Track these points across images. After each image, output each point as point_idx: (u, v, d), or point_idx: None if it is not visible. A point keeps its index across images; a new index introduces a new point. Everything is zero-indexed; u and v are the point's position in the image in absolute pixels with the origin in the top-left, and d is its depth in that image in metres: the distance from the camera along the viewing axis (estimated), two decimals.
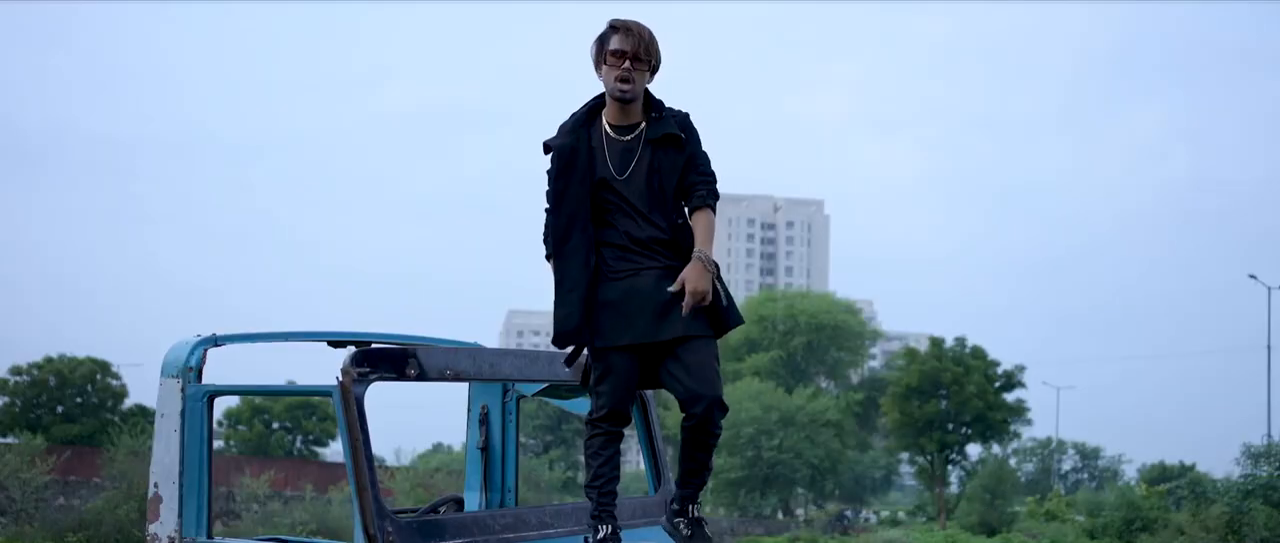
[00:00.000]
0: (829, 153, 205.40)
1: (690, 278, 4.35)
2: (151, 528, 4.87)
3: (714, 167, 4.65)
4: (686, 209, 4.57)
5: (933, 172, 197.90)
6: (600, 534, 4.55)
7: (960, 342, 49.69)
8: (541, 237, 4.65)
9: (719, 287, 4.49)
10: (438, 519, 4.78)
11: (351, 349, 4.47)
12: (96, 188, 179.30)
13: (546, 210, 4.64)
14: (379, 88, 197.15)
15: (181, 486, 4.81)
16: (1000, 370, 49.60)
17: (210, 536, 4.87)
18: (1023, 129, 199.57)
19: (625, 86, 4.48)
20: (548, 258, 4.60)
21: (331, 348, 5.27)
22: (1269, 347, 43.14)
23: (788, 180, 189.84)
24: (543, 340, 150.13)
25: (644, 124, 4.57)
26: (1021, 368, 50.15)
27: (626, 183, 4.52)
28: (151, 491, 4.89)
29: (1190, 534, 23.77)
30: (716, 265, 4.46)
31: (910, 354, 51.73)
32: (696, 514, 4.60)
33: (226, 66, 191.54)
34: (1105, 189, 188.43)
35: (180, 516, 4.80)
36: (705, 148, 4.66)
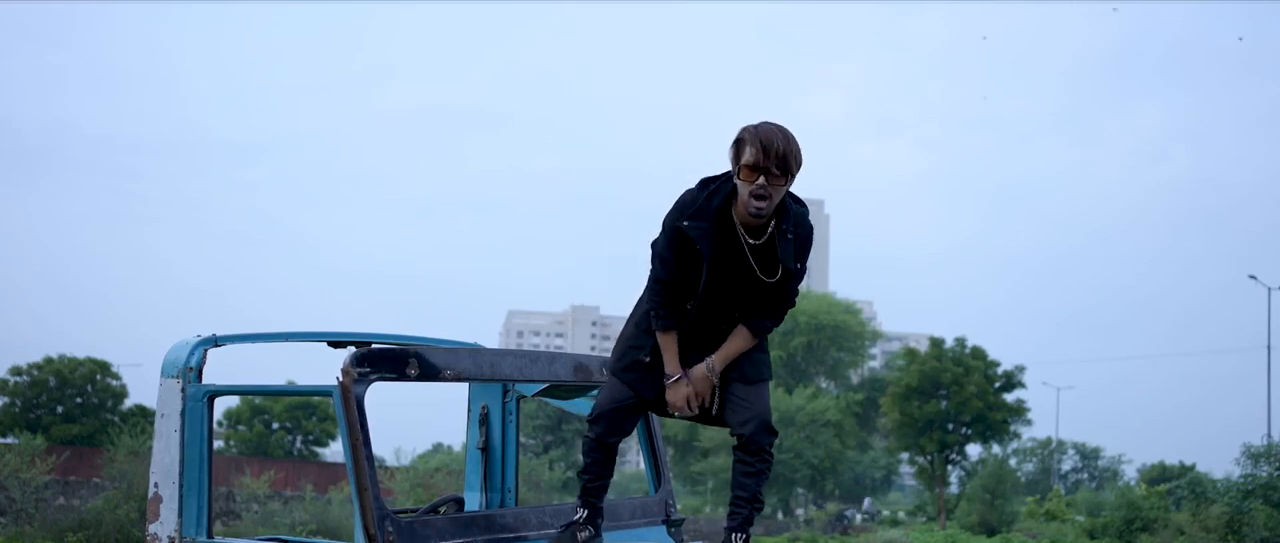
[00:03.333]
0: (829, 153, 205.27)
1: (675, 392, 4.58)
2: (151, 528, 4.86)
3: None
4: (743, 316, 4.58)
5: (932, 171, 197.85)
6: (577, 516, 4.73)
7: (960, 342, 49.60)
8: (650, 307, 4.59)
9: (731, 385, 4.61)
10: (438, 519, 4.77)
11: (351, 349, 4.46)
12: (96, 188, 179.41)
13: (657, 281, 4.55)
14: (380, 88, 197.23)
15: (181, 486, 4.80)
16: (1000, 370, 49.47)
17: (210, 536, 4.86)
18: (1022, 129, 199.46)
19: (760, 204, 4.34)
20: (657, 328, 4.60)
21: (331, 348, 5.26)
22: (1269, 347, 43.18)
23: None
24: (542, 341, 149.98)
25: (772, 230, 4.47)
26: (1021, 368, 50.05)
27: (740, 280, 4.51)
28: (151, 491, 4.88)
29: (1190, 534, 23.78)
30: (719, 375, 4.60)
31: (910, 354, 51.64)
32: None
33: (226, 66, 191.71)
34: (1105, 189, 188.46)
35: (180, 516, 4.80)
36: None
